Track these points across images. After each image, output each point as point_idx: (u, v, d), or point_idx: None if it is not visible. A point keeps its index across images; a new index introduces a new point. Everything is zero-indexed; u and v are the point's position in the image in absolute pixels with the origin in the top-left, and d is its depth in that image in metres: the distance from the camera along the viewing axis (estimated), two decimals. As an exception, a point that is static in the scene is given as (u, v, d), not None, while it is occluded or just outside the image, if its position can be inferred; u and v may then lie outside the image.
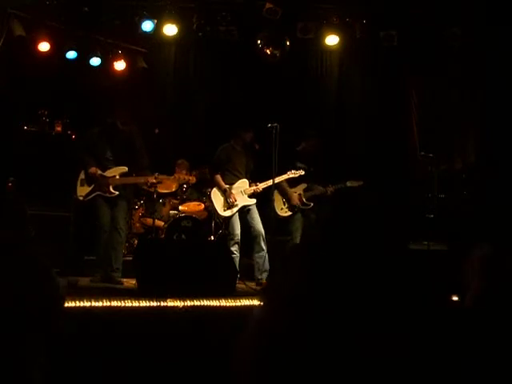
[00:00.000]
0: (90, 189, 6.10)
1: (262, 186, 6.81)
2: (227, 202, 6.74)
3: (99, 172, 6.08)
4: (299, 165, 7.03)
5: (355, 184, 7.05)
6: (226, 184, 6.83)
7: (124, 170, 6.12)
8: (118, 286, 5.87)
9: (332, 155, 8.23)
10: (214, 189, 6.89)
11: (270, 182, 6.64)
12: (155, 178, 6.19)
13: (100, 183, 6.07)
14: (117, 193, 6.07)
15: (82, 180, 6.14)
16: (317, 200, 7.06)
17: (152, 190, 7.25)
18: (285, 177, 6.86)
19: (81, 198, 6.13)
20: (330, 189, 7.01)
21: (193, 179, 6.79)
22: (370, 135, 8.76)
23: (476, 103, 8.63)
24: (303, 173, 6.94)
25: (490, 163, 8.01)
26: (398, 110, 8.86)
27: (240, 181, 6.86)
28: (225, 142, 7.10)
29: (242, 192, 6.79)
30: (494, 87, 8.24)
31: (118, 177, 6.10)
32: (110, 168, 6.15)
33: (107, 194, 6.06)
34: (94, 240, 6.14)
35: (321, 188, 7.10)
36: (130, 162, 6.14)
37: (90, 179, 6.11)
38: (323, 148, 7.31)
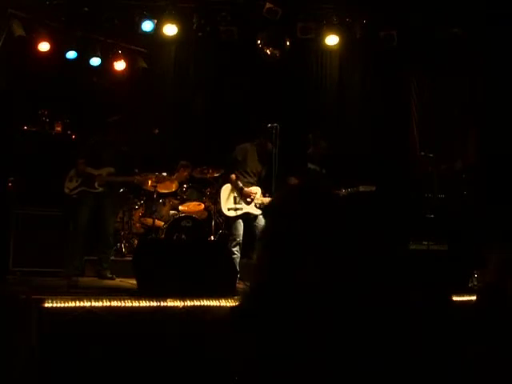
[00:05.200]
0: (77, 184, 6.31)
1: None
2: (235, 202, 6.65)
3: (88, 169, 6.30)
4: (310, 166, 6.95)
5: (368, 189, 6.93)
6: None
7: (111, 171, 6.39)
8: (112, 281, 6.19)
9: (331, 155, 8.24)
10: (226, 185, 6.73)
11: None
12: (141, 176, 6.60)
13: (87, 178, 6.29)
14: (101, 189, 6.30)
15: (70, 176, 6.36)
16: None
17: (152, 189, 7.26)
18: None
19: (67, 191, 6.32)
20: (343, 192, 6.88)
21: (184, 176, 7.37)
22: (370, 135, 8.75)
23: (476, 103, 8.63)
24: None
25: (490, 163, 8.00)
26: (398, 109, 8.86)
27: (254, 187, 6.77)
28: (225, 142, 7.07)
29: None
30: (493, 87, 8.24)
31: (104, 175, 6.35)
32: (101, 168, 6.40)
33: (92, 189, 6.28)
34: (67, 237, 6.32)
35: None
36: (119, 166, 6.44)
37: (79, 175, 6.33)
38: (332, 149, 7.22)
